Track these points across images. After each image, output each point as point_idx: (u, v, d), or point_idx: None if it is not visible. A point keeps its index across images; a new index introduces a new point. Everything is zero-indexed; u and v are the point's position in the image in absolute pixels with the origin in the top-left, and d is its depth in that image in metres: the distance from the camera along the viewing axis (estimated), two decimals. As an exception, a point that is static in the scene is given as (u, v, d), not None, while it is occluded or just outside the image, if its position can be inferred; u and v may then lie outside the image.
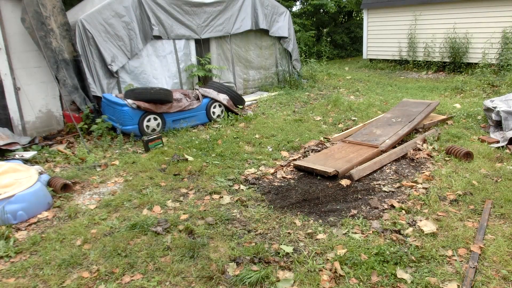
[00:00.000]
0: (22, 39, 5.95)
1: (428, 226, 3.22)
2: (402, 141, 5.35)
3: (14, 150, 5.35)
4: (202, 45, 8.40)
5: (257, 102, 8.47)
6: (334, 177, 4.34)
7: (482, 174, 4.22)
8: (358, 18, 19.80)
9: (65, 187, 4.25)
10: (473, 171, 4.31)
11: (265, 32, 9.56)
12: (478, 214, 3.45)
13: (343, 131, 6.08)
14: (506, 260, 2.77)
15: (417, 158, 4.76)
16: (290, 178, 4.46)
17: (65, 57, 6.23)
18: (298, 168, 4.68)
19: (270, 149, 5.41)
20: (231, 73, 9.13)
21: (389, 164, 4.70)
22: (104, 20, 6.68)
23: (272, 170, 4.66)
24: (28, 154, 5.24)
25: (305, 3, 18.41)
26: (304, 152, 5.24)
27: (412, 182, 4.17)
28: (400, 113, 6.18)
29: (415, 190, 3.96)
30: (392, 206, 3.66)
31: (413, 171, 4.48)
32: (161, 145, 5.66)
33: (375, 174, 4.45)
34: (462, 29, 10.91)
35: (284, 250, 2.98)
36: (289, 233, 3.27)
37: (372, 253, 2.89)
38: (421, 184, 4.09)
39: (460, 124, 6.13)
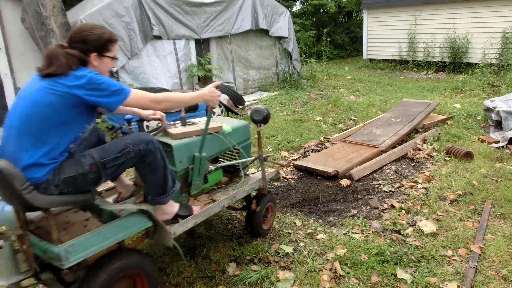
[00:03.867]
0: (22, 39, 5.95)
1: (428, 226, 3.22)
2: (402, 141, 5.35)
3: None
4: (202, 45, 8.40)
5: (257, 102, 8.47)
6: (334, 177, 4.34)
7: (482, 174, 4.22)
8: (358, 18, 19.81)
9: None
10: (473, 171, 4.31)
11: (265, 32, 9.56)
12: (478, 214, 3.45)
13: (343, 131, 6.08)
14: (506, 260, 2.77)
15: (417, 158, 4.76)
16: (290, 178, 4.46)
17: (65, 57, 6.23)
18: (298, 168, 4.68)
19: (270, 149, 5.41)
20: (231, 73, 9.13)
21: (389, 164, 4.70)
22: (104, 20, 6.68)
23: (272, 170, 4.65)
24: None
25: (305, 3, 18.43)
26: (304, 152, 5.24)
27: (412, 182, 4.17)
28: (400, 113, 6.18)
29: (415, 190, 3.96)
30: (392, 206, 3.66)
31: (413, 171, 4.48)
32: (161, 145, 5.65)
33: (375, 174, 4.45)
34: (462, 29, 10.90)
35: (284, 250, 2.98)
36: (289, 233, 3.27)
37: (372, 253, 2.89)
38: (421, 184, 4.09)
39: (460, 124, 6.13)
